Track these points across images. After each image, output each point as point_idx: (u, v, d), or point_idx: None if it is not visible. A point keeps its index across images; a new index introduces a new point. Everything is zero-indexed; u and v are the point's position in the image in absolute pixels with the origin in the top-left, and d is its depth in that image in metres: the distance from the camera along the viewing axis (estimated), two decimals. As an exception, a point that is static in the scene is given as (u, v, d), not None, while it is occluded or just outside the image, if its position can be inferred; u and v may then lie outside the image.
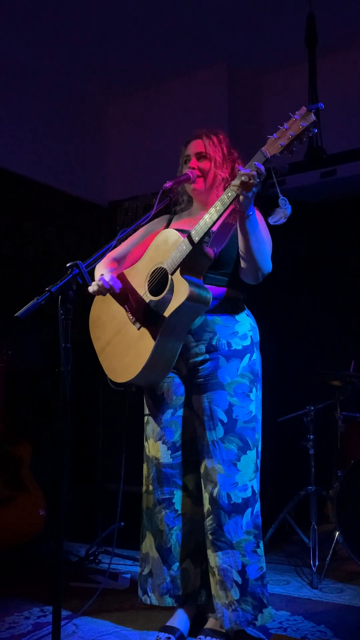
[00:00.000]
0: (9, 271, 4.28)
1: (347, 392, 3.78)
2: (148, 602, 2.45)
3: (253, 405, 2.38)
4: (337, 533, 3.21)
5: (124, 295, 2.41)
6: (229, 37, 4.17)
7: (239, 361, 2.37)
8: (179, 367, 2.42)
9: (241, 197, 2.11)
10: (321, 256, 4.92)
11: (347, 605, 2.81)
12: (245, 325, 2.42)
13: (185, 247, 2.22)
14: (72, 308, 1.96)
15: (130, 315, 2.38)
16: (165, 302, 2.25)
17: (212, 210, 2.17)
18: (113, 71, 4.55)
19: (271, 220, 2.17)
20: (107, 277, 2.33)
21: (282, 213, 2.13)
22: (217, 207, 2.16)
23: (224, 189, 2.47)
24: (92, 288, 2.35)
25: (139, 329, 2.33)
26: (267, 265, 2.32)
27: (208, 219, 2.18)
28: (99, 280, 2.34)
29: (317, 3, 3.60)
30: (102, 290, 2.35)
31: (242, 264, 2.32)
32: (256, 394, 2.40)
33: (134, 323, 2.36)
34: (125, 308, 2.41)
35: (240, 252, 2.30)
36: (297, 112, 2.02)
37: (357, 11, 3.88)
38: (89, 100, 4.89)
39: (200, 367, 2.37)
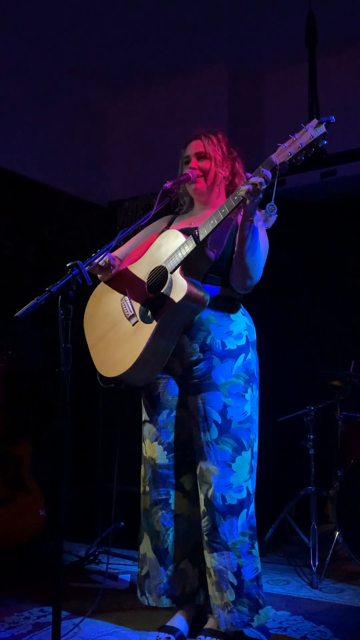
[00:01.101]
0: (9, 271, 4.28)
1: (347, 392, 3.78)
2: (146, 603, 2.46)
3: (248, 406, 2.37)
4: (337, 533, 3.21)
5: (124, 287, 2.42)
6: (229, 37, 4.17)
7: (233, 361, 2.36)
8: (173, 368, 2.42)
9: (247, 202, 2.16)
10: (321, 256, 4.92)
11: (347, 605, 2.82)
12: (240, 325, 2.42)
13: (188, 247, 2.23)
14: (72, 308, 1.96)
15: (126, 310, 2.39)
16: (163, 300, 2.25)
17: (218, 212, 2.21)
18: (113, 71, 4.55)
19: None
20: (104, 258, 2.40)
21: (266, 218, 2.19)
22: (223, 210, 2.20)
23: (225, 187, 2.49)
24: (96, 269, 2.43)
25: (134, 324, 2.33)
26: (256, 274, 2.33)
27: (214, 220, 2.22)
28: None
29: (317, 3, 3.59)
30: (105, 264, 2.41)
31: (233, 262, 2.32)
32: (252, 394, 2.39)
33: (129, 318, 2.36)
34: (122, 303, 2.42)
35: (235, 254, 2.31)
36: (308, 124, 2.07)
37: (357, 11, 3.88)
38: (88, 100, 4.89)
39: (194, 368, 2.37)
